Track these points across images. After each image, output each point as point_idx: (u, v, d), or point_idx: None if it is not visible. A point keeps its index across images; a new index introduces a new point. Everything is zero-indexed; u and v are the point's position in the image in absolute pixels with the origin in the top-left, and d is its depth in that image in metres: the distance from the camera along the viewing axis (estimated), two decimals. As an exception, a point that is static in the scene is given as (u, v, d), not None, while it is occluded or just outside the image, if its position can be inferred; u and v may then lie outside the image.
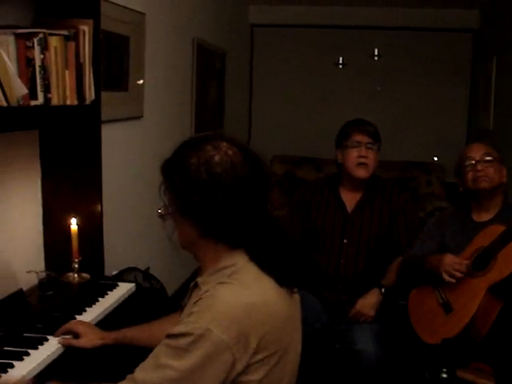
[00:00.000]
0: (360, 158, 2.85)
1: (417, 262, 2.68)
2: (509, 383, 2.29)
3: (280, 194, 6.05)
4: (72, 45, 2.20)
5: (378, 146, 2.91)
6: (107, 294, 2.31)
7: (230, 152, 1.44)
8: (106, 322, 2.16)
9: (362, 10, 6.25)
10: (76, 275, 2.44)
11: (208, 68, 4.99)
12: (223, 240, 1.46)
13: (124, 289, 2.41)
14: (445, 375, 2.21)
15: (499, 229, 2.45)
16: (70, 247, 2.44)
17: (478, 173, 2.55)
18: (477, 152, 2.62)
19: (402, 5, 6.16)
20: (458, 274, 2.43)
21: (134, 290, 2.46)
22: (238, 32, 6.22)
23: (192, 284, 1.53)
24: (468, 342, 2.40)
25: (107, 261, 2.63)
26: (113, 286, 2.41)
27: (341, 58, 6.47)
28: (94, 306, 2.19)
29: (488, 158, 2.58)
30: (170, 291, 3.58)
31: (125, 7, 3.15)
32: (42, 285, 2.28)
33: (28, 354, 1.77)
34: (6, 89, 1.77)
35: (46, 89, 2.06)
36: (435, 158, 6.37)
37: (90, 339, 1.90)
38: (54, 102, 2.11)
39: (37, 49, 2.00)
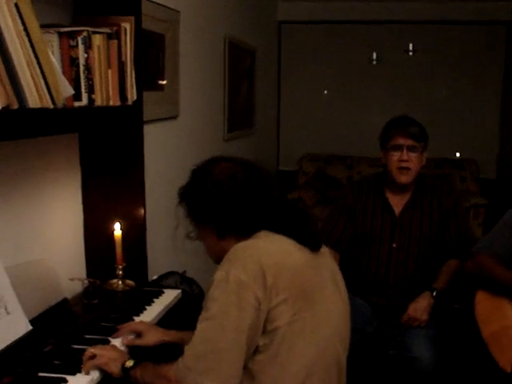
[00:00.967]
0: (401, 163, 2.71)
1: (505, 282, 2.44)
2: None
3: (311, 193, 5.94)
4: (114, 43, 2.11)
5: (422, 146, 2.76)
6: (153, 302, 2.22)
7: (227, 165, 1.74)
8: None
9: (395, 4, 6.09)
10: (120, 282, 2.35)
11: (239, 66, 4.88)
12: (240, 233, 1.63)
13: (170, 296, 2.32)
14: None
15: None
16: (112, 253, 2.36)
17: None
18: None
19: (435, -1, 6.03)
20: None
21: (180, 296, 2.37)
22: (267, 29, 6.11)
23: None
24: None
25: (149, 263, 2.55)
26: (158, 293, 2.31)
27: (374, 54, 6.31)
28: (141, 314, 2.10)
29: None
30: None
31: (160, 5, 3.06)
32: (87, 293, 2.20)
33: (80, 370, 1.68)
34: (52, 90, 1.68)
35: (90, 89, 1.97)
36: (457, 154, 6.23)
37: (153, 336, 1.90)
38: (98, 103, 2.03)
39: (81, 48, 1.92)
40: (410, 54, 6.24)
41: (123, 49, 2.18)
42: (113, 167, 2.42)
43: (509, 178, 5.98)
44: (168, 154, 3.46)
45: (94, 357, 1.69)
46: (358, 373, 2.32)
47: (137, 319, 2.04)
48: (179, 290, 2.40)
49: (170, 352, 1.86)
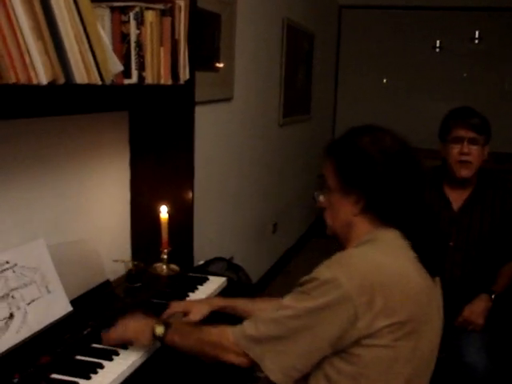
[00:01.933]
0: (461, 156, 2.55)
1: None
2: None
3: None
4: (168, 20, 2.03)
5: (484, 139, 2.59)
6: (197, 289, 2.16)
7: (395, 138, 1.53)
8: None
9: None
10: (165, 266, 2.30)
11: (297, 50, 4.78)
12: (379, 216, 1.48)
13: (215, 283, 2.24)
14: None
15: None
16: (158, 236, 2.30)
17: None
18: None
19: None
20: None
21: (225, 285, 2.30)
22: (326, 13, 5.96)
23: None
24: None
25: (194, 247, 2.48)
26: (203, 280, 2.25)
27: (438, 42, 6.08)
28: (184, 301, 2.04)
29: None
30: (254, 279, 3.42)
31: (218, -17, 2.98)
32: (130, 276, 2.16)
33: (117, 354, 1.63)
34: (101, 66, 1.62)
35: (141, 67, 1.91)
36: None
37: (198, 310, 1.85)
38: (148, 81, 1.96)
39: (132, 23, 1.85)
40: (476, 41, 5.99)
41: (177, 26, 2.10)
42: (162, 148, 2.37)
43: None
44: (219, 137, 3.39)
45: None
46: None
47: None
48: (224, 278, 2.32)
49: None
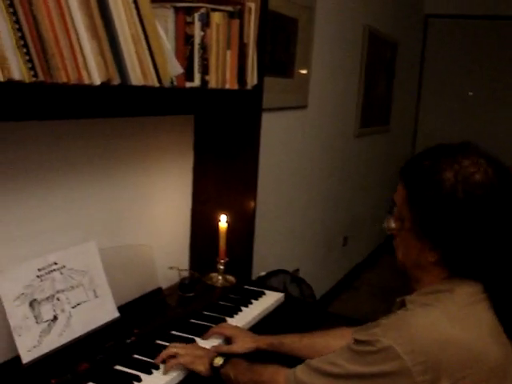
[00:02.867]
0: None
1: None
2: None
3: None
4: (236, 23, 1.96)
5: None
6: (251, 304, 2.07)
7: (490, 172, 1.22)
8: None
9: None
10: (220, 277, 2.23)
11: (378, 59, 4.62)
12: (458, 268, 1.26)
13: (271, 299, 2.14)
14: None
15: None
16: (217, 245, 2.23)
17: None
18: None
19: None
20: None
21: (282, 300, 2.19)
22: (411, 22, 5.75)
23: (399, 300, 1.36)
24: None
25: (254, 259, 2.39)
26: (258, 294, 2.15)
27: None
28: (235, 316, 1.95)
29: None
30: (318, 294, 3.31)
31: (296, -13, 2.90)
32: (183, 285, 2.10)
33: (157, 368, 1.56)
34: (159, 67, 1.57)
35: (204, 70, 1.85)
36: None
37: (243, 343, 1.72)
38: (212, 85, 1.90)
39: (197, 25, 1.79)
40: None
41: (246, 29, 2.03)
42: (226, 155, 2.30)
43: None
44: (291, 146, 3.30)
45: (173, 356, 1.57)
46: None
47: (229, 321, 1.90)
48: (282, 294, 2.22)
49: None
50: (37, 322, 1.53)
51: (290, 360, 1.58)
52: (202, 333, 1.78)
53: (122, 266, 1.89)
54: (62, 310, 1.60)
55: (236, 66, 2.01)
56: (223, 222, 2.21)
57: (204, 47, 1.83)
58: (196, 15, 1.78)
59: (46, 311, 1.56)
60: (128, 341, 1.67)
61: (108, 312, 1.74)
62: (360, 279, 4.96)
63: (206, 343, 1.73)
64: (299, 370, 1.33)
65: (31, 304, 1.53)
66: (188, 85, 1.81)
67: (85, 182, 1.84)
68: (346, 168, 4.37)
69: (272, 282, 2.77)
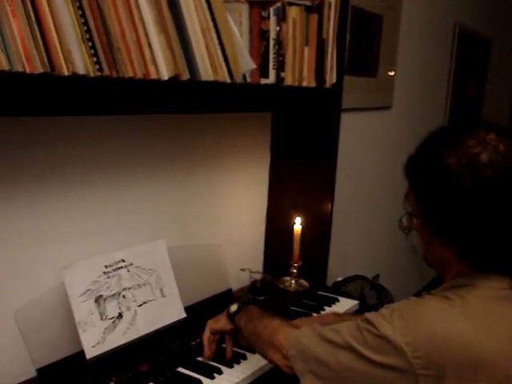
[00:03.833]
0: None
1: None
2: None
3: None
4: (314, 17, 1.89)
5: None
6: (324, 310, 1.99)
7: (501, 148, 1.05)
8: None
9: None
10: (293, 281, 2.16)
11: (468, 58, 4.40)
12: (480, 262, 1.12)
13: (345, 306, 2.05)
14: None
15: None
16: (291, 249, 2.17)
17: None
18: None
19: None
20: None
21: (356, 308, 2.10)
22: (508, 18, 5.45)
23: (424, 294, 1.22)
24: None
25: (330, 263, 2.31)
26: (332, 301, 2.07)
27: None
28: (306, 321, 1.88)
29: None
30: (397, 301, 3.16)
31: (381, -17, 2.79)
32: (254, 288, 2.04)
33: (220, 373, 1.51)
34: (230, 62, 1.52)
35: (280, 66, 1.78)
36: None
37: None
38: (288, 82, 1.83)
39: (272, 20, 1.73)
40: None
41: (325, 25, 1.95)
42: (303, 155, 2.23)
43: None
44: (373, 148, 3.18)
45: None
46: None
47: (299, 326, 1.83)
48: (356, 301, 2.12)
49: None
50: (101, 319, 1.52)
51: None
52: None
53: (191, 265, 1.86)
54: (128, 308, 1.59)
55: (314, 63, 1.93)
56: (298, 224, 2.14)
57: (280, 43, 1.77)
58: (271, 9, 1.72)
59: (112, 308, 1.55)
60: (193, 343, 1.63)
61: (174, 312, 1.71)
62: (445, 289, 4.75)
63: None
64: (303, 332, 1.24)
65: (97, 300, 1.52)
66: (263, 81, 1.75)
67: (155, 180, 1.83)
68: (433, 172, 4.19)
69: (349, 288, 2.68)
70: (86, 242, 1.62)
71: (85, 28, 1.17)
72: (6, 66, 1.05)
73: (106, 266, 1.57)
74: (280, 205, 2.30)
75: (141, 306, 1.62)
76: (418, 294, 1.21)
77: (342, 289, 2.56)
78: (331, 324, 1.21)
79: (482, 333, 1.04)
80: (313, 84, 1.95)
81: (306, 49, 1.89)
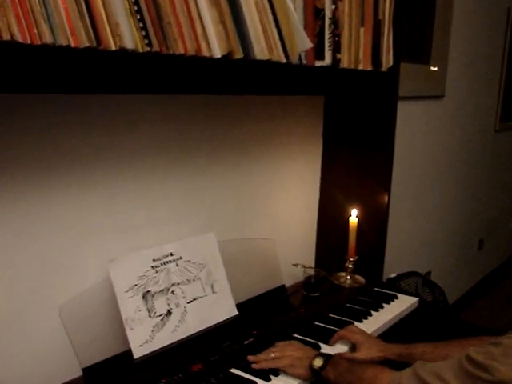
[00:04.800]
0: None
1: None
2: None
3: None
4: (371, -3, 1.77)
5: None
6: (382, 308, 1.86)
7: None
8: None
9: None
10: (349, 277, 2.05)
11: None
12: None
13: (404, 304, 1.92)
14: None
15: None
16: (344, 243, 2.05)
17: None
18: None
19: None
20: None
21: (415, 306, 1.97)
22: None
23: None
24: None
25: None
26: (391, 298, 1.95)
27: None
28: (364, 320, 1.76)
29: None
30: (449, 300, 3.02)
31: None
32: (308, 284, 1.93)
33: (276, 374, 1.41)
34: (286, 40, 1.41)
35: (336, 48, 1.67)
36: None
37: (369, 352, 1.52)
38: (344, 64, 1.71)
39: (328, -3, 1.62)
40: None
41: (381, 5, 1.83)
42: (358, 143, 2.11)
43: None
44: (425, 139, 3.04)
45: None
46: None
47: (357, 326, 1.69)
48: (416, 299, 1.99)
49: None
50: (150, 316, 1.43)
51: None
52: (327, 337, 1.60)
53: (242, 260, 1.76)
54: (177, 305, 1.49)
55: (370, 45, 1.81)
56: (354, 216, 2.02)
57: (335, 22, 1.65)
58: (327, -14, 1.60)
59: (160, 305, 1.46)
60: (246, 342, 1.53)
61: (226, 309, 1.61)
62: (496, 287, 4.56)
63: (331, 350, 1.55)
64: (405, 379, 1.17)
65: (144, 296, 1.43)
66: (318, 63, 1.64)
67: (203, 170, 1.73)
68: (485, 165, 4.01)
69: (402, 285, 2.55)
70: (132, 235, 1.53)
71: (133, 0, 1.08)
72: (49, 40, 0.95)
73: (153, 260, 1.48)
74: (333, 196, 2.18)
75: (190, 302, 1.53)
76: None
77: (395, 285, 2.43)
78: None
79: None
80: (369, 67, 1.83)
81: (362, 30, 1.77)
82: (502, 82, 3.95)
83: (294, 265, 1.98)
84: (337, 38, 1.66)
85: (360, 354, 1.50)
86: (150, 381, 1.33)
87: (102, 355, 1.36)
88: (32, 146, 1.28)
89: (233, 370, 1.41)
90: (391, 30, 1.89)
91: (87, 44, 1.01)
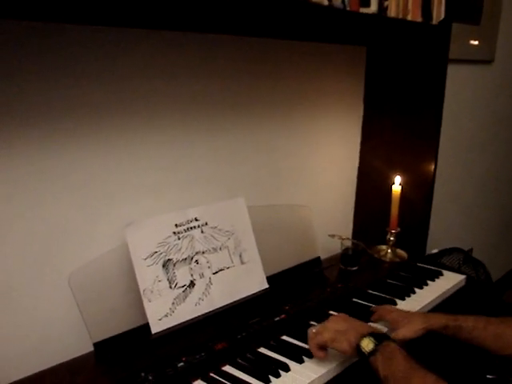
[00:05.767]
0: None
1: None
2: None
3: None
4: None
5: None
6: (427, 285, 1.69)
7: None
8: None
9: None
10: (390, 251, 1.88)
11: None
12: None
13: (451, 281, 1.75)
14: None
15: None
16: (385, 213, 1.88)
17: None
18: None
19: None
20: None
21: (462, 284, 1.80)
22: None
23: None
24: None
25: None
26: (435, 275, 1.77)
27: None
28: (407, 298, 1.59)
29: None
30: (493, 278, 2.83)
31: None
32: (346, 257, 1.77)
33: (311, 356, 1.24)
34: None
35: (384, -6, 1.48)
36: None
37: (413, 325, 1.34)
38: (391, 13, 1.53)
39: None
40: None
41: None
42: (402, 105, 1.93)
43: None
44: (471, 108, 2.83)
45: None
46: None
47: (400, 303, 1.53)
48: (463, 276, 1.82)
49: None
50: (170, 287, 1.28)
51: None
52: (367, 316, 1.43)
53: (274, 228, 1.60)
54: (201, 276, 1.35)
55: (421, -6, 1.62)
56: (397, 184, 1.85)
57: (384, -36, 1.46)
58: None
59: (182, 275, 1.31)
60: (277, 319, 1.37)
61: (255, 282, 1.46)
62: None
63: (371, 330, 1.39)
64: None
65: (165, 265, 1.29)
66: (362, 10, 1.46)
67: (233, 130, 1.57)
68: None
69: (444, 262, 2.38)
70: (153, 197, 1.39)
71: None
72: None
73: (176, 225, 1.33)
74: (374, 162, 2.00)
75: (216, 273, 1.38)
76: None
77: (436, 261, 2.26)
78: None
79: None
80: (419, 18, 1.64)
81: (412, -25, 1.58)
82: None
83: (330, 236, 1.82)
84: (385, -17, 1.48)
85: (404, 330, 1.33)
86: (169, 359, 1.18)
87: (116, 329, 1.22)
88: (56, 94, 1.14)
89: (261, 350, 1.26)
90: (444, -21, 1.70)
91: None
